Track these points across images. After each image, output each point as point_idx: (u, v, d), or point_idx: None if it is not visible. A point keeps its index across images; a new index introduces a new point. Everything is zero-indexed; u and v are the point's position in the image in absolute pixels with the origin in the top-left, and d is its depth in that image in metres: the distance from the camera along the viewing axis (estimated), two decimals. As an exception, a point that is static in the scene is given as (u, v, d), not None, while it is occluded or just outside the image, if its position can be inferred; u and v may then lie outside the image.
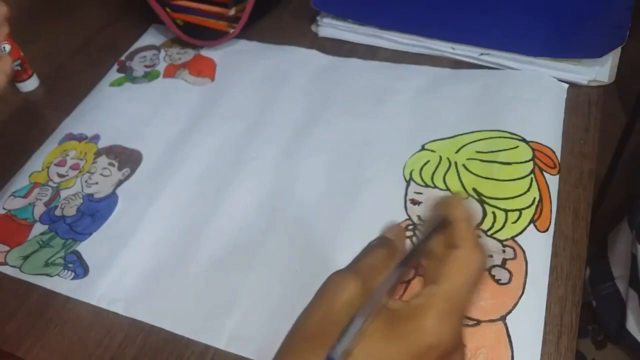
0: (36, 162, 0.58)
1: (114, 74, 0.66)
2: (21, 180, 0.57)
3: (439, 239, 0.31)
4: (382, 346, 0.28)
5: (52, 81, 0.67)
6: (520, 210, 0.46)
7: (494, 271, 0.43)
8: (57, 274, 0.49)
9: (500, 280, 0.42)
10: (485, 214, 0.46)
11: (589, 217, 0.46)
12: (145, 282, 0.47)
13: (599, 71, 0.55)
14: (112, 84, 0.65)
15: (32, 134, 0.61)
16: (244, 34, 0.66)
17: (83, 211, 0.53)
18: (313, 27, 0.67)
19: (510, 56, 0.57)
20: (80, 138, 0.60)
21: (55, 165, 0.57)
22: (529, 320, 0.40)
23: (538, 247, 0.44)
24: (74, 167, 0.57)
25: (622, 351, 0.78)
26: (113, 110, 0.62)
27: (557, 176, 0.48)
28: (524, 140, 0.50)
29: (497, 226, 0.45)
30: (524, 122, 0.52)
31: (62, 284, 0.48)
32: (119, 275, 0.48)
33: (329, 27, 0.65)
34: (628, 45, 0.55)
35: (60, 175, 0.56)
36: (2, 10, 0.49)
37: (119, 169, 0.56)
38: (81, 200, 0.54)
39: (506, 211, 0.46)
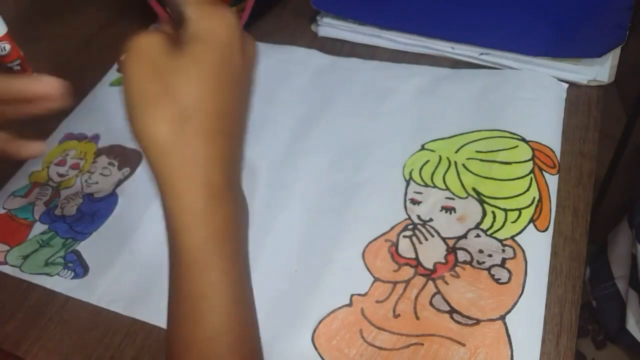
0: (36, 162, 0.58)
1: (114, 74, 0.66)
2: (21, 180, 0.57)
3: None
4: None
5: (52, 81, 0.67)
6: (519, 209, 0.46)
7: (494, 270, 0.43)
8: (57, 274, 0.49)
9: (499, 279, 0.42)
10: (484, 213, 0.46)
11: (588, 217, 0.46)
12: (145, 282, 0.47)
13: (598, 71, 0.55)
14: (113, 84, 0.65)
15: (32, 133, 0.61)
16: (244, 34, 0.66)
17: (83, 211, 0.53)
18: (313, 27, 0.67)
19: (510, 56, 0.57)
20: (80, 138, 0.60)
21: (55, 164, 0.57)
22: (528, 319, 0.40)
23: (538, 246, 0.44)
24: (73, 167, 0.57)
25: (622, 351, 0.78)
26: (113, 110, 0.62)
27: (557, 176, 0.48)
28: (523, 139, 0.50)
29: (496, 225, 0.45)
30: (523, 121, 0.52)
31: (62, 284, 0.48)
32: (118, 275, 0.48)
33: (329, 27, 0.65)
34: (628, 45, 0.55)
35: (60, 175, 0.56)
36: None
37: (119, 168, 0.56)
38: (81, 200, 0.54)
39: (506, 211, 0.46)
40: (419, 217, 0.47)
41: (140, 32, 0.30)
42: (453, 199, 0.48)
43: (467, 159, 0.50)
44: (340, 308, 0.43)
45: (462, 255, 0.44)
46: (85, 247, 0.50)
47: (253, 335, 0.32)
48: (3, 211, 0.54)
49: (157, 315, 0.45)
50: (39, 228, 0.52)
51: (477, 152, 0.50)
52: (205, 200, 0.29)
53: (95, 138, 0.59)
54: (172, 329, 0.31)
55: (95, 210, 0.53)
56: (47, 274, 0.49)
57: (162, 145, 0.29)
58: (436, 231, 0.46)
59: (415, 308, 0.42)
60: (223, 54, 0.30)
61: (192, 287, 0.29)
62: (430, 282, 0.43)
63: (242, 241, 0.32)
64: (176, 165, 0.29)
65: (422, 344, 0.40)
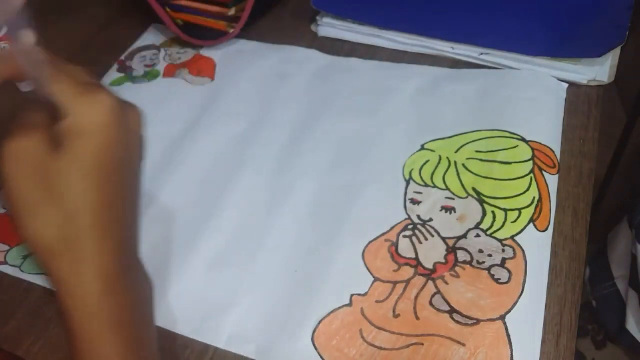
0: (36, 162, 0.58)
1: (114, 74, 0.66)
2: (21, 180, 0.57)
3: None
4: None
5: (52, 81, 0.67)
6: (519, 209, 0.46)
7: (493, 270, 0.43)
8: (57, 274, 0.49)
9: (499, 279, 0.42)
10: (485, 213, 0.46)
11: (588, 217, 0.46)
12: (145, 282, 0.47)
13: (598, 71, 0.55)
14: (112, 84, 0.65)
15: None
16: (244, 34, 0.66)
17: (83, 211, 0.53)
18: (313, 27, 0.67)
19: (510, 56, 0.57)
20: (80, 138, 0.60)
21: (55, 165, 0.57)
22: (528, 319, 0.40)
23: (537, 246, 0.44)
24: (74, 167, 0.57)
25: (622, 351, 0.78)
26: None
27: (557, 176, 0.48)
28: (523, 139, 0.50)
29: (496, 225, 0.45)
30: (523, 121, 0.52)
31: (62, 284, 0.48)
32: (118, 275, 0.48)
33: (329, 27, 0.65)
34: (628, 45, 0.55)
35: (60, 175, 0.56)
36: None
37: (119, 168, 0.56)
38: None
39: (506, 210, 0.46)
40: (419, 217, 0.47)
41: (16, 130, 0.29)
42: (453, 199, 0.48)
43: (467, 159, 0.50)
44: (340, 308, 0.43)
45: (462, 255, 0.44)
46: (85, 247, 0.50)
47: None
48: (3, 211, 0.54)
49: (156, 315, 0.45)
50: (39, 228, 0.52)
51: (477, 152, 0.50)
52: (99, 294, 0.29)
53: (95, 138, 0.59)
54: None
55: (95, 210, 0.53)
56: (47, 274, 0.49)
57: (51, 249, 0.28)
58: (436, 231, 0.46)
59: (415, 308, 0.42)
60: (103, 142, 0.29)
61: None
62: (430, 282, 0.43)
63: (145, 324, 0.32)
64: (67, 265, 0.29)
65: (422, 344, 0.40)
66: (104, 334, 0.29)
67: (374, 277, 0.44)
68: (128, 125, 0.31)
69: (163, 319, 0.45)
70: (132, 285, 0.31)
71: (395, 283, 0.44)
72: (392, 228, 0.47)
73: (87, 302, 0.29)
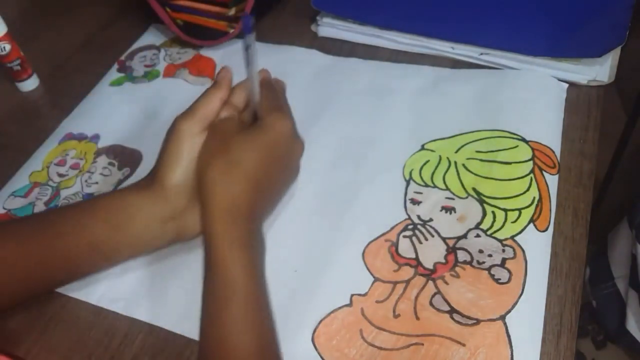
0: (36, 162, 0.58)
1: (114, 74, 0.66)
2: (21, 180, 0.57)
3: None
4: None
5: (52, 81, 0.67)
6: (519, 209, 0.46)
7: (494, 270, 0.43)
8: (57, 274, 0.49)
9: (499, 279, 0.42)
10: (484, 213, 0.46)
11: (588, 217, 0.46)
12: (145, 282, 0.47)
13: (598, 71, 0.55)
14: (112, 84, 0.65)
15: (32, 133, 0.61)
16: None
17: (83, 211, 0.53)
18: (313, 27, 0.67)
19: (510, 56, 0.57)
20: (80, 138, 0.60)
21: (55, 164, 0.57)
22: (528, 319, 0.40)
23: (538, 246, 0.44)
24: (74, 167, 0.57)
25: (622, 351, 0.78)
26: (113, 110, 0.62)
27: (557, 176, 0.48)
28: (523, 139, 0.50)
29: (496, 225, 0.45)
30: (523, 121, 0.52)
31: (62, 284, 0.48)
32: (119, 275, 0.48)
33: (329, 27, 0.65)
34: (628, 45, 0.55)
35: (60, 175, 0.56)
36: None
37: (119, 168, 0.56)
38: (81, 200, 0.54)
39: (506, 211, 0.46)
40: (419, 217, 0.47)
41: (222, 117, 0.45)
42: (453, 199, 0.48)
43: (467, 159, 0.50)
44: (340, 308, 0.43)
45: (462, 255, 0.44)
46: (85, 247, 0.50)
47: (271, 334, 0.39)
48: (3, 211, 0.54)
49: (157, 315, 0.45)
50: (39, 228, 0.52)
51: (477, 152, 0.50)
52: (231, 217, 0.40)
53: (95, 138, 0.59)
54: (203, 320, 0.38)
55: (95, 210, 0.53)
56: (47, 274, 0.49)
57: (212, 178, 0.41)
58: (436, 231, 0.46)
59: (415, 308, 0.42)
60: (274, 141, 0.43)
61: (220, 278, 0.38)
62: (430, 282, 0.43)
63: (260, 259, 0.42)
64: (218, 192, 0.41)
65: (422, 344, 0.40)
66: (234, 246, 0.39)
67: (374, 277, 0.44)
68: (292, 145, 0.46)
69: (164, 320, 0.45)
70: (253, 225, 0.42)
71: (395, 283, 0.44)
72: (392, 228, 0.47)
73: (222, 220, 0.40)
